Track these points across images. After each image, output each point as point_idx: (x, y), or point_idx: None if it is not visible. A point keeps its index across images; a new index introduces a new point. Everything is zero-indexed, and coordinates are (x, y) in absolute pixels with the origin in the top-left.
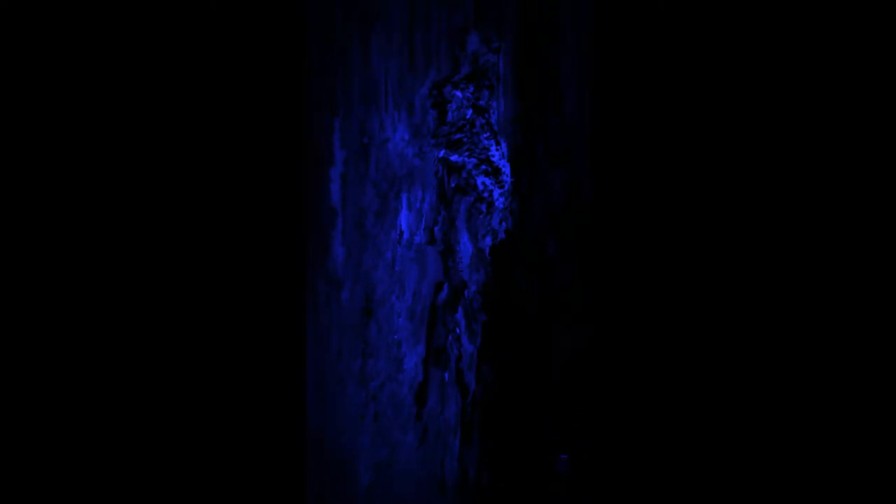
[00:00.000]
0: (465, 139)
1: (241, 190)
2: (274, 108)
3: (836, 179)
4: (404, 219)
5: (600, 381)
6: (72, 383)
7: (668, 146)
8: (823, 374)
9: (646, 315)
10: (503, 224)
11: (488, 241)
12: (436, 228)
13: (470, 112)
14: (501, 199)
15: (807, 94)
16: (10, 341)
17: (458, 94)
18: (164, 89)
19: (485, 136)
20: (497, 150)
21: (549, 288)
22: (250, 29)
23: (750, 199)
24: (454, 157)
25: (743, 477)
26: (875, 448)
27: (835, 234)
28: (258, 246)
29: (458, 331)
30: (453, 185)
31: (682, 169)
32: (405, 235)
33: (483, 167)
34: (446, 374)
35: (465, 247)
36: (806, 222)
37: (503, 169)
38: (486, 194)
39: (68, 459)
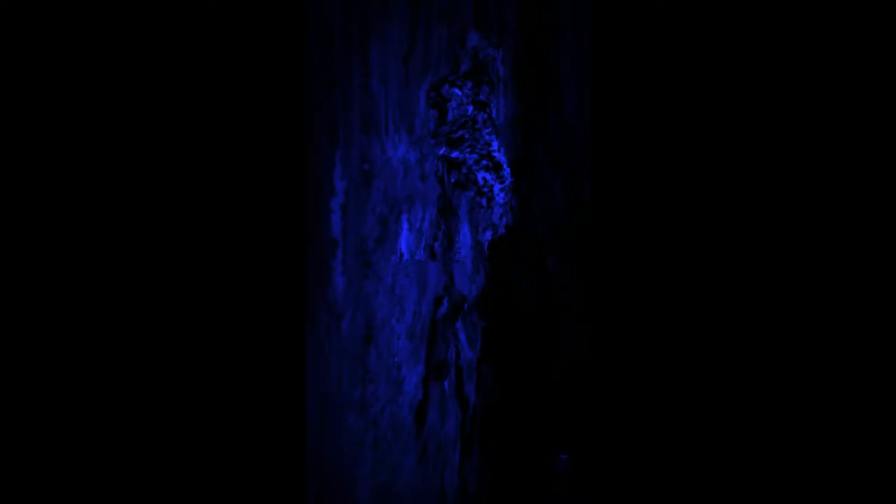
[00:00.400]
0: (466, 135)
1: (242, 220)
2: (274, 138)
3: (837, 181)
4: (404, 241)
5: (600, 381)
6: (73, 392)
7: (667, 146)
8: (822, 376)
9: (645, 315)
10: (503, 219)
11: (488, 235)
12: (436, 244)
13: (471, 108)
14: (502, 195)
15: (807, 94)
16: (11, 343)
17: (458, 91)
18: (163, 116)
19: (486, 131)
20: (498, 145)
21: (548, 288)
22: (250, 54)
23: (749, 199)
24: (455, 154)
25: (742, 476)
26: (874, 448)
27: (834, 236)
28: (259, 275)
29: (457, 338)
30: (453, 180)
31: (682, 169)
32: (405, 257)
33: (484, 162)
34: (446, 384)
35: (465, 238)
36: (806, 221)
37: (504, 164)
38: (486, 189)
39: (70, 470)
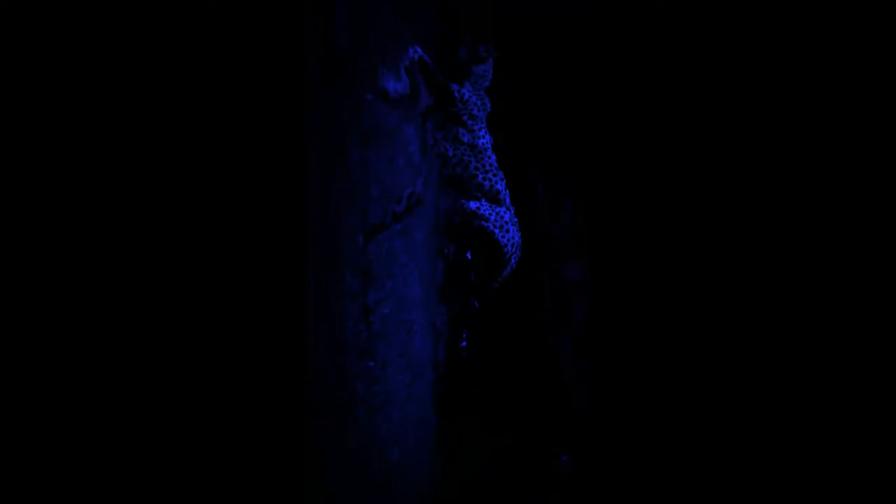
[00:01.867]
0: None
1: (249, 220)
2: (276, 146)
3: (835, 184)
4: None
5: (600, 382)
6: (74, 395)
7: (665, 146)
8: (818, 380)
9: (645, 316)
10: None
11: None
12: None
13: None
14: None
15: (805, 95)
16: (10, 343)
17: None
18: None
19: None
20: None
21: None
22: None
23: (749, 203)
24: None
25: (741, 477)
26: (872, 452)
27: (835, 239)
28: (261, 272)
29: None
30: None
31: (681, 169)
32: None
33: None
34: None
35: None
36: (806, 226)
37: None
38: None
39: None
